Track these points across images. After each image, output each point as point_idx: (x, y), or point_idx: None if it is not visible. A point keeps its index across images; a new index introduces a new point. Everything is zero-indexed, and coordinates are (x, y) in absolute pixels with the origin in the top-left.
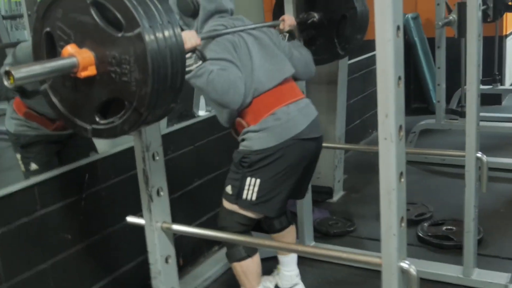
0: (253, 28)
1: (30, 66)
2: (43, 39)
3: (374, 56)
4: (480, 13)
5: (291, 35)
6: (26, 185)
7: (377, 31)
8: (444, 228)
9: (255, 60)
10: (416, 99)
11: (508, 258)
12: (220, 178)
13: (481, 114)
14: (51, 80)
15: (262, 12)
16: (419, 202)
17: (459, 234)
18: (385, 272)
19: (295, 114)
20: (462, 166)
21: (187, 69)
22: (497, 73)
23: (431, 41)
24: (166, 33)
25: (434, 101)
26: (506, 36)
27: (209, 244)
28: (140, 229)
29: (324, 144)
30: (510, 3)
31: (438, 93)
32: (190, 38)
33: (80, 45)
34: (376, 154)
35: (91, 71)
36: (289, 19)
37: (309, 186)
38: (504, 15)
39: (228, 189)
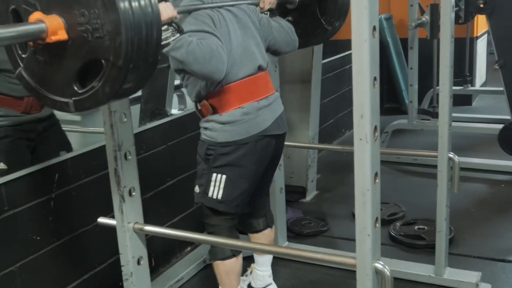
0: (232, 5)
1: None
2: (11, 19)
3: (347, 55)
4: (453, 15)
5: (272, 13)
6: None
7: (353, 31)
8: (416, 227)
9: (233, 40)
10: (388, 99)
11: (479, 257)
12: (192, 178)
13: (453, 114)
14: (24, 62)
15: None
16: (391, 202)
17: (431, 234)
18: (360, 272)
19: (264, 110)
20: (434, 166)
21: (164, 42)
22: (468, 74)
23: (404, 42)
24: None
25: (407, 102)
26: (477, 37)
27: (182, 245)
28: (111, 229)
29: (297, 144)
30: (481, 6)
31: (410, 93)
32: (166, 9)
33: (47, 12)
34: (349, 154)
35: (62, 35)
36: None
37: (279, 185)
38: (475, 17)
39: (196, 188)
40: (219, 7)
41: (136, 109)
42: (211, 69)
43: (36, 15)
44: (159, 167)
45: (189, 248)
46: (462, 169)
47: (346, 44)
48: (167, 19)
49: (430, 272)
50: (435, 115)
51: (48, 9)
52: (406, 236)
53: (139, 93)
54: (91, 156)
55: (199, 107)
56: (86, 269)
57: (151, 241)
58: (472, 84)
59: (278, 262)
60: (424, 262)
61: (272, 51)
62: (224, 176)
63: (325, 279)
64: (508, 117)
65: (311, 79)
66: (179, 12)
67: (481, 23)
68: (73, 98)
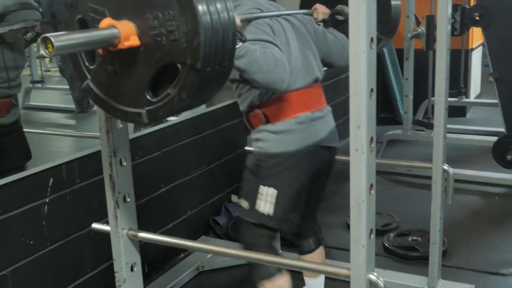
0: (289, 14)
1: (70, 34)
2: (77, 29)
3: None
4: (449, 27)
5: (326, 25)
6: None
7: (351, 42)
8: (410, 239)
9: (292, 49)
10: (383, 109)
11: (472, 269)
12: (187, 184)
13: (447, 126)
14: (91, 73)
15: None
16: (385, 212)
17: (424, 245)
18: (354, 283)
19: (317, 121)
20: (428, 177)
21: None
22: (462, 85)
23: (400, 52)
24: None
25: (402, 112)
26: (472, 49)
27: (175, 251)
28: (105, 235)
29: None
30: (477, 18)
31: (405, 104)
32: None
33: (117, 18)
34: (343, 164)
35: (134, 40)
36: (321, 7)
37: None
38: (471, 29)
39: (242, 203)
40: (278, 16)
41: None
42: (275, 79)
43: (106, 21)
44: (154, 173)
45: (182, 255)
46: (456, 180)
47: None
48: None
49: (423, 284)
50: (429, 126)
51: (118, 15)
52: (400, 248)
53: None
54: (86, 161)
55: (250, 117)
56: (79, 275)
57: (144, 247)
58: (467, 96)
59: None
60: (417, 273)
61: (325, 63)
62: (275, 190)
63: None
64: (502, 130)
65: None
66: (241, 21)
67: (476, 35)
68: (146, 108)
